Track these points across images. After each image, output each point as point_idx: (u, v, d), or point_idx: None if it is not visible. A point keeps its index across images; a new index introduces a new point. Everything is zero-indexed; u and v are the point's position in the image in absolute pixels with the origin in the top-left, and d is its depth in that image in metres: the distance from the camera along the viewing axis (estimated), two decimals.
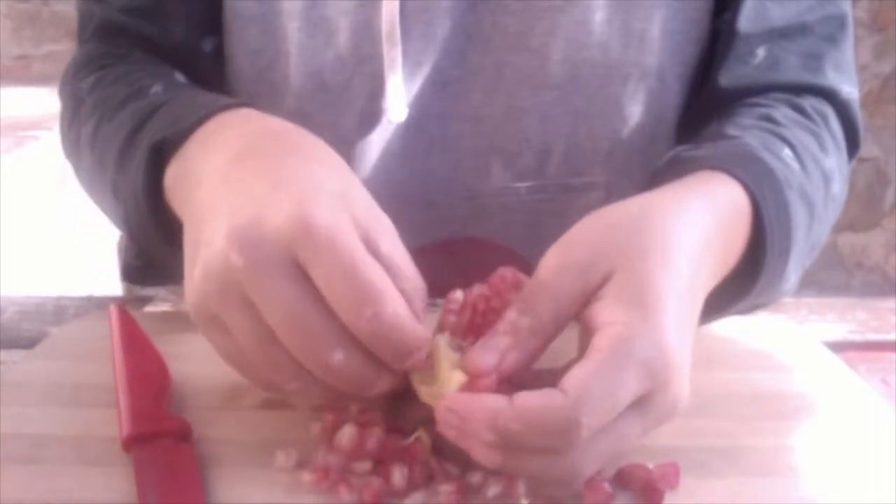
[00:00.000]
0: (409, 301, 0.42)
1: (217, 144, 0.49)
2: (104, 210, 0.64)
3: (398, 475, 0.42)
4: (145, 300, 0.67)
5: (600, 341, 0.40)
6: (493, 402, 0.39)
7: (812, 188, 0.58)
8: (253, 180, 0.44)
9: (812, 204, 0.57)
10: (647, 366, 0.40)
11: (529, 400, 0.39)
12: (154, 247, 0.56)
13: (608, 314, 0.41)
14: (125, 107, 0.60)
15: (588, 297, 0.43)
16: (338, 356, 0.41)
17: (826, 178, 0.60)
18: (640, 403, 0.40)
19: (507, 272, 0.46)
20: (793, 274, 0.56)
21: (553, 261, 0.44)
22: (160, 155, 0.52)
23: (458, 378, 0.41)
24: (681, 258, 0.44)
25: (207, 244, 0.42)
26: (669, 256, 0.44)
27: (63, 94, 0.70)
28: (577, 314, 0.43)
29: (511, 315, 0.43)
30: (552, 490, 0.42)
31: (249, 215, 0.42)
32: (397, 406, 0.45)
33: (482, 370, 0.41)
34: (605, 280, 0.43)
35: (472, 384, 0.41)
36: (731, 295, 0.52)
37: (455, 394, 0.41)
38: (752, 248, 0.51)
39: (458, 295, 0.46)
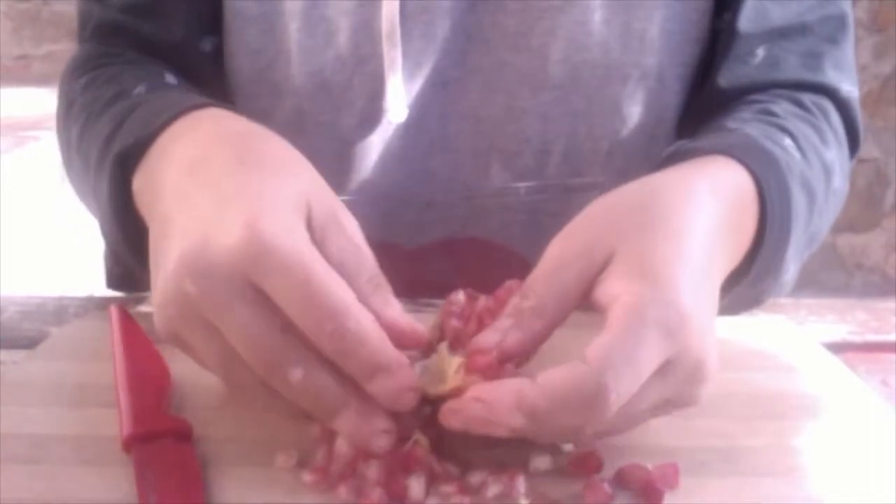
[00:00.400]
0: (365, 298, 0.41)
1: (173, 154, 0.48)
2: (91, 213, 0.64)
3: (416, 486, 0.42)
4: (145, 300, 0.67)
5: (613, 313, 0.40)
6: (517, 384, 0.39)
7: (813, 177, 0.58)
8: (200, 197, 0.43)
9: (813, 193, 0.57)
10: (664, 326, 0.39)
11: (553, 374, 0.39)
12: (125, 256, 0.55)
13: (615, 289, 0.41)
14: (108, 109, 0.59)
15: (592, 279, 0.43)
16: (296, 374, 0.40)
17: (827, 170, 0.61)
18: (664, 369, 0.40)
19: (513, 284, 0.46)
20: (792, 264, 0.56)
21: (556, 246, 0.44)
22: (127, 162, 0.51)
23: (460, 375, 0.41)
24: (685, 230, 0.44)
25: (163, 268, 0.42)
26: (672, 228, 0.44)
27: (59, 95, 0.70)
28: (583, 297, 0.43)
29: (514, 300, 0.43)
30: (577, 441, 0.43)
31: (197, 239, 0.41)
32: (395, 413, 0.45)
33: (482, 346, 0.41)
34: (608, 260, 0.43)
35: (472, 361, 0.41)
36: (728, 281, 0.51)
37: (480, 384, 0.40)
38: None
39: (459, 296, 0.46)
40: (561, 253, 0.44)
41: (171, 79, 0.65)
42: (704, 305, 0.42)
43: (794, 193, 0.54)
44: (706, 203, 0.46)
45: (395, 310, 0.43)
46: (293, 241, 0.40)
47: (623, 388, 0.38)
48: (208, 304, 0.40)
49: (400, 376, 0.40)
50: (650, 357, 0.39)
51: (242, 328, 0.40)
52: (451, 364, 0.43)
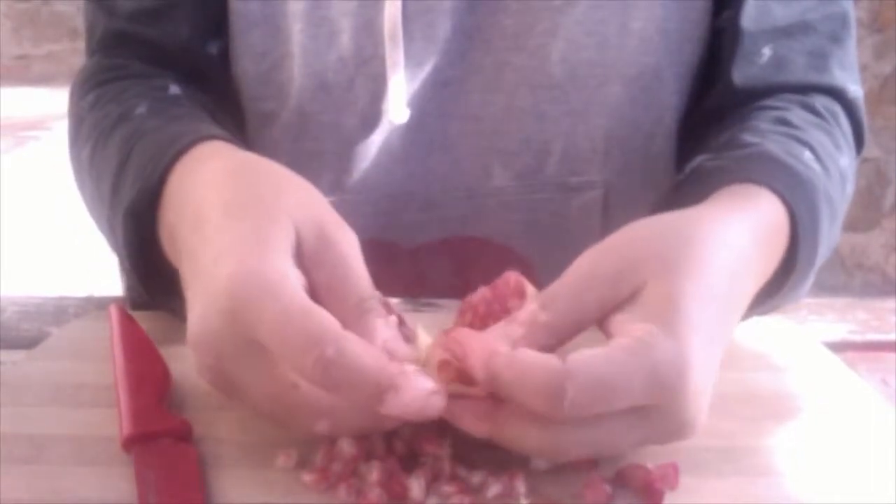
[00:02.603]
0: (351, 324, 0.41)
1: (180, 208, 0.48)
2: (104, 234, 0.64)
3: (416, 486, 0.42)
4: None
5: (620, 339, 0.40)
6: (496, 345, 0.39)
7: (833, 189, 0.58)
8: (202, 256, 0.43)
9: (834, 207, 0.57)
10: (661, 375, 0.38)
11: (527, 353, 0.39)
12: (141, 289, 0.56)
13: (630, 325, 0.40)
14: (113, 135, 0.60)
15: (613, 308, 0.42)
16: (322, 426, 0.40)
17: (843, 178, 0.61)
18: (645, 412, 0.39)
19: (511, 276, 0.46)
20: (813, 274, 0.56)
21: (585, 264, 0.43)
22: (138, 212, 0.52)
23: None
24: (718, 281, 0.43)
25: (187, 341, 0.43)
26: (706, 277, 0.42)
27: (69, 111, 0.70)
28: (599, 322, 0.42)
29: (532, 307, 0.42)
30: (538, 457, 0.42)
31: (198, 313, 0.41)
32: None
33: (491, 349, 0.40)
34: (635, 293, 0.42)
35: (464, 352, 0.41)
36: (754, 301, 0.50)
37: (462, 329, 0.40)
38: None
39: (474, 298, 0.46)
40: (590, 272, 0.43)
41: (174, 90, 0.65)
42: (711, 363, 0.41)
43: (820, 209, 0.54)
44: (743, 250, 0.46)
45: (379, 337, 0.42)
46: (269, 279, 0.40)
47: (582, 402, 0.37)
48: (224, 370, 0.41)
49: (410, 388, 0.38)
50: (628, 391, 0.38)
51: (256, 389, 0.41)
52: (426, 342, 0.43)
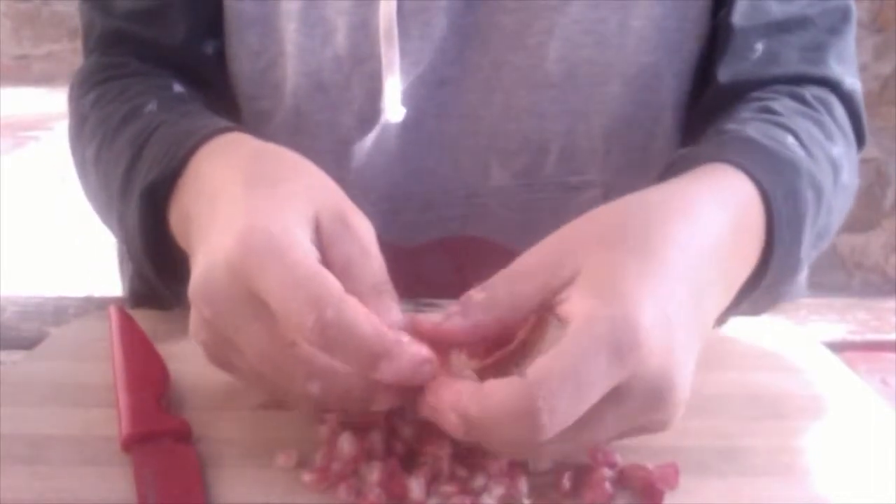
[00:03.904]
0: (371, 300, 0.41)
1: (199, 190, 0.49)
2: (111, 230, 0.64)
3: (416, 487, 0.42)
4: None
5: (566, 330, 0.39)
6: (461, 385, 0.39)
7: (819, 173, 0.56)
8: (214, 226, 0.44)
9: (820, 189, 0.56)
10: (613, 346, 0.37)
11: (493, 385, 0.38)
12: (152, 279, 0.56)
13: (573, 304, 0.40)
14: (123, 130, 0.60)
15: (554, 293, 0.41)
16: (314, 387, 0.40)
17: (834, 166, 0.59)
18: (618, 394, 0.38)
19: None
20: (805, 264, 0.55)
21: (529, 253, 0.43)
22: (155, 196, 0.52)
23: None
24: (664, 246, 0.42)
25: (188, 296, 0.43)
26: (647, 245, 0.42)
27: (70, 110, 0.70)
28: (542, 307, 0.42)
29: (471, 291, 0.42)
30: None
31: (204, 264, 0.42)
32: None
33: (419, 326, 0.41)
34: (574, 276, 0.41)
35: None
36: (745, 288, 0.50)
37: (436, 379, 0.40)
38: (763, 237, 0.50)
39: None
40: (528, 260, 0.43)
41: (178, 88, 0.65)
42: (676, 325, 0.40)
43: (802, 191, 0.53)
44: (701, 216, 0.45)
45: (394, 319, 0.42)
46: (279, 238, 0.40)
47: (560, 408, 0.36)
48: (221, 324, 0.41)
49: (404, 356, 0.39)
50: (594, 378, 0.37)
51: (252, 346, 0.41)
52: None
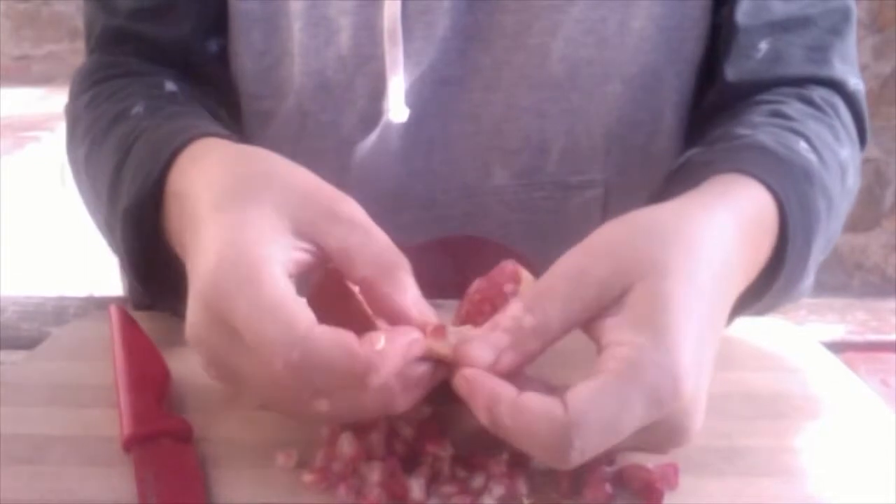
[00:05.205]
0: (372, 286, 0.41)
1: (184, 210, 0.48)
2: (101, 233, 0.64)
3: (416, 487, 0.41)
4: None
5: (608, 362, 0.39)
6: (500, 389, 0.39)
7: (830, 180, 0.57)
8: (193, 254, 0.43)
9: (830, 197, 0.56)
10: (656, 393, 0.38)
11: (532, 401, 0.38)
12: (141, 288, 0.56)
13: (619, 333, 0.40)
14: (109, 135, 0.59)
15: (601, 309, 0.41)
16: (322, 406, 0.40)
17: (842, 170, 0.60)
18: (643, 428, 0.39)
19: (507, 264, 0.46)
20: (812, 270, 0.55)
21: (571, 264, 0.42)
22: (137, 213, 0.52)
23: None
24: (706, 278, 0.42)
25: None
26: (693, 275, 0.41)
27: (66, 111, 0.70)
28: (587, 324, 0.41)
29: (516, 311, 0.41)
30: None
31: (190, 310, 0.42)
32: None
33: (474, 361, 0.40)
34: (623, 294, 0.41)
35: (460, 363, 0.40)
36: (748, 295, 0.50)
37: (472, 369, 0.39)
38: (774, 246, 0.50)
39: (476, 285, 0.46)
40: (578, 276, 0.41)
41: (170, 87, 0.65)
42: (704, 363, 0.40)
43: (814, 200, 0.53)
44: (731, 244, 0.45)
45: (406, 295, 0.42)
46: (245, 271, 0.39)
47: (590, 447, 0.37)
48: (223, 364, 0.41)
49: (388, 361, 0.38)
50: (630, 422, 0.38)
51: (254, 380, 0.40)
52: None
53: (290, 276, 0.41)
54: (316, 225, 0.42)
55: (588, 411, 0.37)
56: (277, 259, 0.41)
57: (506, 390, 0.39)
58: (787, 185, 0.51)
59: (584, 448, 0.37)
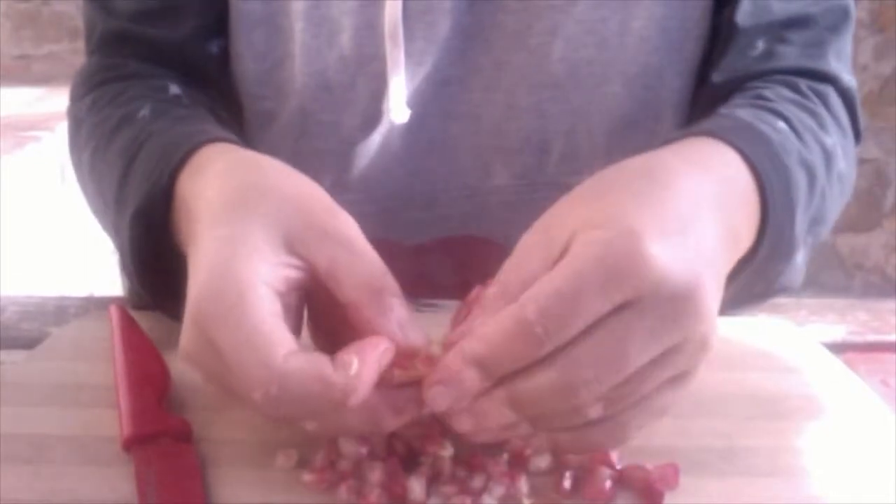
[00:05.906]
0: (359, 308, 0.41)
1: (191, 216, 0.48)
2: (108, 235, 0.64)
3: (416, 487, 0.41)
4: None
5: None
6: (458, 346, 0.39)
7: (811, 157, 0.56)
8: (193, 271, 0.43)
9: (812, 171, 0.55)
10: (612, 262, 0.37)
11: (487, 322, 0.39)
12: (143, 291, 0.56)
13: (569, 247, 0.40)
14: (115, 138, 0.59)
15: (556, 258, 0.40)
16: (311, 427, 0.40)
17: (827, 154, 0.59)
18: (634, 307, 0.37)
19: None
20: (799, 248, 0.54)
21: (520, 241, 0.43)
22: (145, 218, 0.52)
23: None
24: (657, 190, 0.42)
25: None
26: (640, 190, 0.41)
27: (68, 112, 0.70)
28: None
29: (482, 293, 0.42)
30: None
31: (183, 328, 0.41)
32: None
33: (451, 339, 0.41)
34: (571, 238, 0.40)
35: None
36: (739, 268, 0.49)
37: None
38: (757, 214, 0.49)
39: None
40: (522, 243, 0.43)
41: (174, 90, 0.65)
42: (690, 235, 0.40)
43: (792, 170, 0.52)
44: (687, 173, 0.44)
45: (391, 320, 0.42)
46: (228, 296, 0.39)
47: (552, 323, 0.37)
48: (217, 380, 0.41)
49: (362, 379, 0.38)
50: (588, 292, 0.37)
51: (245, 399, 0.40)
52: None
53: (280, 294, 0.41)
54: (306, 243, 0.42)
55: (537, 290, 0.37)
56: (265, 279, 0.41)
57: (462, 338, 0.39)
58: (758, 149, 0.50)
59: (547, 324, 0.37)
